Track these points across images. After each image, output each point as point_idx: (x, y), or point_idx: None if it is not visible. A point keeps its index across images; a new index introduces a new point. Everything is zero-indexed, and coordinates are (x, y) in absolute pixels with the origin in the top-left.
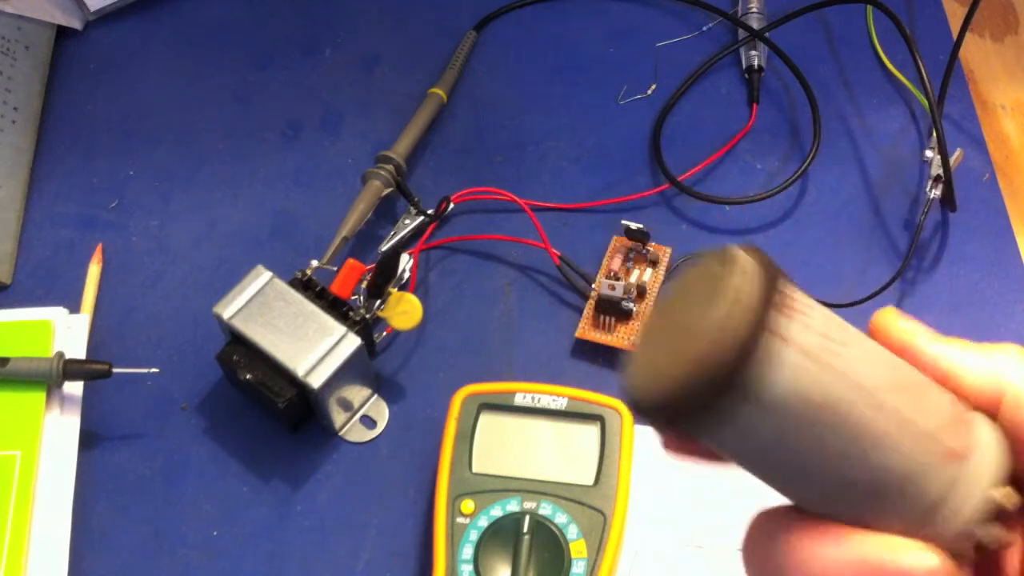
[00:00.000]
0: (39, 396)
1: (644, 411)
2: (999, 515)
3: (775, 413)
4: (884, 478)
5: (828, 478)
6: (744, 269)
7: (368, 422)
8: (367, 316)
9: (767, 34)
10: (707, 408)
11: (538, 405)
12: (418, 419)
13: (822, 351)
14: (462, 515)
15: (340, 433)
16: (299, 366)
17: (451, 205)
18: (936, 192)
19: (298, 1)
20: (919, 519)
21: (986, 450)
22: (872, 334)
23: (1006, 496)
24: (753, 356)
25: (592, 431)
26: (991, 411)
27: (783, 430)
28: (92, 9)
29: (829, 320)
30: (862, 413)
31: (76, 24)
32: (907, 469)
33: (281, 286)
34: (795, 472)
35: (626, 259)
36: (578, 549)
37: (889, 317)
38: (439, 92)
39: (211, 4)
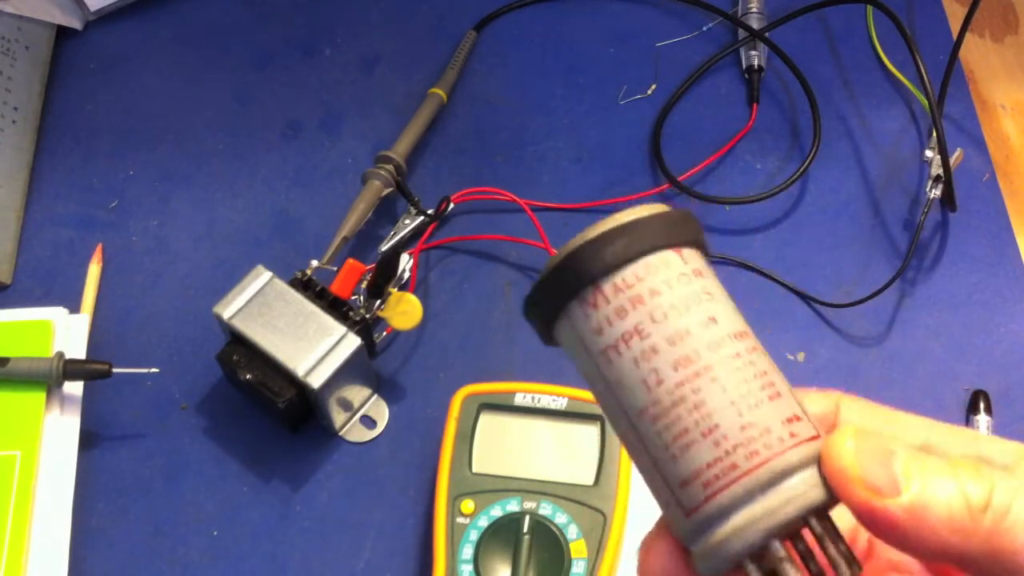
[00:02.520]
0: (39, 396)
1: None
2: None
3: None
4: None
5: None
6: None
7: (368, 422)
8: (367, 316)
9: (767, 34)
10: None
11: (538, 405)
12: (418, 419)
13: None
14: (462, 515)
15: (340, 433)
16: (299, 366)
17: (451, 205)
18: (936, 192)
19: (298, 1)
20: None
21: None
22: None
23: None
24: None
25: (592, 431)
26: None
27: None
28: (92, 9)
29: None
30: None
31: (76, 24)
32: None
33: (281, 286)
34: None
35: None
36: (578, 549)
37: None
38: (439, 92)
39: (211, 4)
